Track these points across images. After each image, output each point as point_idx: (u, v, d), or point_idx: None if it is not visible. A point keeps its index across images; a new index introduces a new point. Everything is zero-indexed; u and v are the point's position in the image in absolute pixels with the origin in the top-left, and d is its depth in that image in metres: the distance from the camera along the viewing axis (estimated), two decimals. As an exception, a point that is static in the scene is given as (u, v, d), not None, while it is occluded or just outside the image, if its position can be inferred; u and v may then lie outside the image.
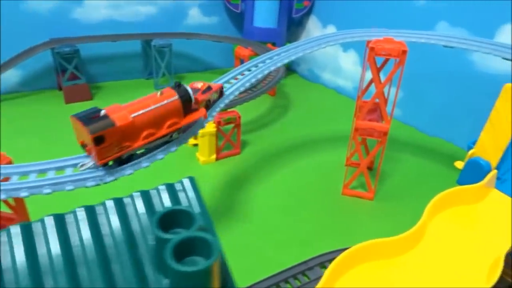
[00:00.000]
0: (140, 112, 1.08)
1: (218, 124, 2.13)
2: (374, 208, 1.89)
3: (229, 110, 2.20)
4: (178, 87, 1.17)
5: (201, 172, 2.09)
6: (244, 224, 1.73)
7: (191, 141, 2.20)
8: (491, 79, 2.25)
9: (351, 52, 3.17)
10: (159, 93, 1.13)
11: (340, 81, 3.33)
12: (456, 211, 1.01)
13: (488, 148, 0.94)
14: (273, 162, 2.23)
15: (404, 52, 1.63)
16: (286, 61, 1.70)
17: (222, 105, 1.42)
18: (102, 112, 1.02)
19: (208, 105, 1.34)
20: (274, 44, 3.24)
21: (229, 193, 1.94)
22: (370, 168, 2.19)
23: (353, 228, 1.75)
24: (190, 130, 1.29)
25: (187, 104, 1.18)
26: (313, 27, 3.50)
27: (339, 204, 1.91)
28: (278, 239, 1.66)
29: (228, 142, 2.23)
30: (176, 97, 1.15)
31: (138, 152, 1.17)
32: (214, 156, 2.18)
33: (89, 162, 1.09)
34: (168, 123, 1.15)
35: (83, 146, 1.08)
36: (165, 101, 1.13)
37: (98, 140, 1.01)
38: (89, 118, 1.00)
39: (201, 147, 2.15)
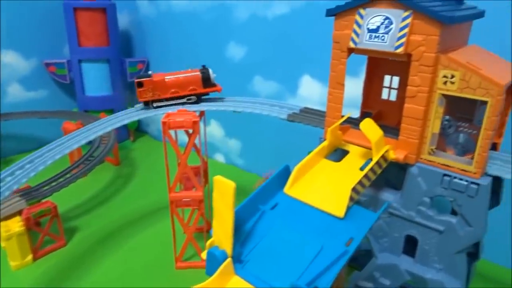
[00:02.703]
0: (171, 77, 1.83)
1: (27, 221, 1.88)
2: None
3: (43, 201, 1.98)
4: (203, 67, 1.88)
5: (12, 280, 1.81)
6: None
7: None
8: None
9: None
10: (188, 69, 1.87)
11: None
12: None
13: (220, 236, 0.94)
14: (106, 246, 2.05)
15: (195, 122, 1.66)
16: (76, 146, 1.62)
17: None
18: (150, 73, 1.84)
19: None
20: (112, 111, 3.12)
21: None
22: (208, 230, 2.16)
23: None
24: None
25: (206, 79, 1.85)
26: (153, 88, 3.48)
27: (174, 280, 1.81)
28: None
29: (48, 236, 1.99)
30: (198, 72, 1.85)
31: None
32: (30, 257, 1.92)
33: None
34: (190, 88, 1.84)
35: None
36: (190, 74, 1.85)
37: (139, 84, 1.80)
38: (141, 75, 1.84)
39: (10, 251, 1.86)
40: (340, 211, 1.05)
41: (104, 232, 2.17)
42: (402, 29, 1.10)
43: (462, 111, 1.16)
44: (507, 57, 1.29)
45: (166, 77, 1.82)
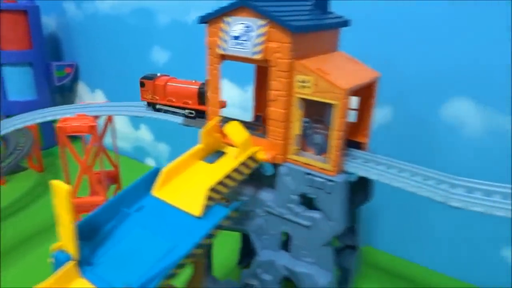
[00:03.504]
0: (172, 83, 1.69)
1: None
2: None
3: None
4: (202, 84, 1.61)
5: None
6: None
7: None
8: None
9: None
10: (194, 81, 1.66)
11: (119, 142, 3.29)
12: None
13: (65, 239, 0.96)
14: (11, 255, 1.99)
15: (92, 127, 1.66)
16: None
17: None
18: (158, 74, 1.76)
19: None
20: (37, 116, 3.03)
21: None
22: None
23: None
24: None
25: (201, 95, 1.59)
26: (84, 93, 3.42)
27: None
28: None
29: None
30: (196, 87, 1.62)
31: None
32: None
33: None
34: (184, 100, 1.66)
35: None
36: (189, 86, 1.65)
37: (141, 84, 1.75)
38: (148, 75, 1.76)
39: None
40: (197, 210, 1.09)
41: (16, 239, 2.11)
42: (259, 36, 1.17)
43: (318, 114, 1.24)
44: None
45: (168, 83, 1.70)
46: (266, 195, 1.38)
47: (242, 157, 1.20)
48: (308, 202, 1.31)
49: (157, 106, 1.75)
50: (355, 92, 1.35)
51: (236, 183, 1.20)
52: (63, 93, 3.59)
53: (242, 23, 1.20)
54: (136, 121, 3.13)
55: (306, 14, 1.25)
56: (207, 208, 1.11)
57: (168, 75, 1.78)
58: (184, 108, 1.66)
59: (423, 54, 1.76)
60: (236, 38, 1.21)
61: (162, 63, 2.75)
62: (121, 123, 3.21)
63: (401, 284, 1.90)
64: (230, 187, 1.18)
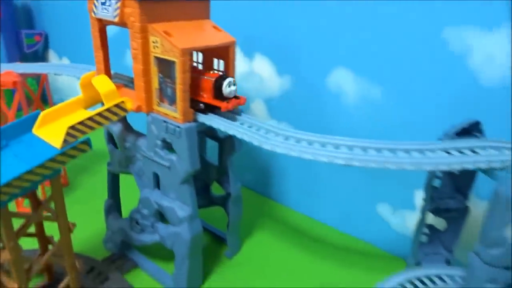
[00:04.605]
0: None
1: None
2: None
3: None
4: (222, 75, 1.47)
5: None
6: None
7: None
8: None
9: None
10: (212, 72, 1.52)
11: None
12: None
13: None
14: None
15: (15, 82, 1.92)
16: None
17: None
18: None
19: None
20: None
21: None
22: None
23: None
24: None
25: (217, 89, 1.44)
26: (53, 60, 3.69)
27: None
28: None
29: None
30: (213, 79, 1.45)
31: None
32: None
33: None
34: (200, 93, 1.48)
35: None
36: (205, 77, 1.48)
37: None
38: None
39: None
40: (58, 144, 1.34)
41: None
42: (117, 2, 1.39)
43: (168, 70, 1.45)
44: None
45: None
46: (142, 142, 1.63)
47: (107, 105, 1.44)
48: (171, 147, 1.55)
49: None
50: (220, 55, 1.57)
51: (100, 125, 1.45)
52: (36, 61, 3.86)
53: (106, -9, 1.42)
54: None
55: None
56: (67, 143, 1.36)
57: None
58: (196, 101, 1.49)
59: (313, 28, 1.95)
60: (103, 4, 1.44)
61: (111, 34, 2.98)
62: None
63: (291, 233, 2.15)
64: (92, 128, 1.43)
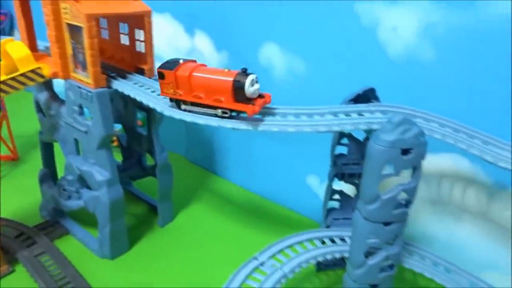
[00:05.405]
0: (199, 74, 1.24)
1: None
2: None
3: None
4: (242, 72, 1.17)
5: None
6: None
7: None
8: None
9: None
10: (226, 69, 1.22)
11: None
12: None
13: None
14: None
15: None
16: None
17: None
18: (180, 61, 1.28)
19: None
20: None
21: None
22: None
23: None
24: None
25: (238, 90, 1.17)
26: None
27: None
28: None
29: None
30: (231, 79, 1.17)
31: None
32: None
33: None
34: (216, 97, 1.21)
35: None
36: (221, 77, 1.19)
37: (160, 75, 1.28)
38: (168, 62, 1.30)
39: None
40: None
41: None
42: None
43: (78, 36, 1.50)
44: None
45: (194, 73, 1.25)
46: (63, 109, 1.68)
47: (21, 70, 1.50)
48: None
49: (183, 107, 1.32)
50: (138, 25, 1.62)
51: (15, 90, 1.50)
52: (4, 41, 3.91)
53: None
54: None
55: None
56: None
57: (195, 61, 1.34)
58: (215, 107, 1.25)
59: (245, 4, 1.99)
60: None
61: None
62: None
63: (227, 205, 2.22)
64: (6, 92, 1.48)
